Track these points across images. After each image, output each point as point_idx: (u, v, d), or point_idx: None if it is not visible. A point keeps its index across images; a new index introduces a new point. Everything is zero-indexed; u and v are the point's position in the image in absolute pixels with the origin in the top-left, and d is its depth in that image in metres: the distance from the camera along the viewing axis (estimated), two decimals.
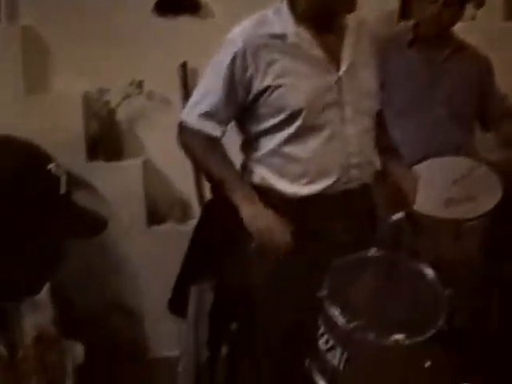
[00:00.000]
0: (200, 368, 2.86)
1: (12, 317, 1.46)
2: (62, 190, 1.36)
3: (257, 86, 2.08)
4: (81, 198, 1.44)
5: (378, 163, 2.27)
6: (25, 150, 1.39)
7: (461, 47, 2.85)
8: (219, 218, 2.30)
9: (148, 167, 3.38)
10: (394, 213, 2.52)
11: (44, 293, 1.59)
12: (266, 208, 2.10)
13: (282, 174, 2.13)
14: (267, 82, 2.06)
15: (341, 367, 1.91)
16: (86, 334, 3.05)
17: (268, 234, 2.08)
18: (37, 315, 1.55)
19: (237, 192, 2.11)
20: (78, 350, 2.70)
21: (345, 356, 1.89)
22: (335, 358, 1.91)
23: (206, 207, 2.64)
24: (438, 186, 2.61)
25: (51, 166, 1.37)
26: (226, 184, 2.13)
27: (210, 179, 2.24)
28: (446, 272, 2.06)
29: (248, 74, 2.07)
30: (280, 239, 2.08)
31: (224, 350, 2.91)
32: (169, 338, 3.32)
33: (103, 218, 1.44)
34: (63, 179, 1.37)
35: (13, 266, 1.34)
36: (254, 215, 2.09)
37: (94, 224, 1.43)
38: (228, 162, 2.17)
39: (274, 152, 2.13)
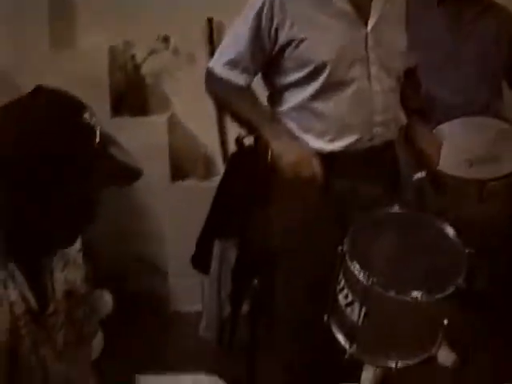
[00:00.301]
0: (222, 323, 2.90)
1: (44, 271, 1.49)
2: (98, 138, 1.37)
3: (282, 38, 2.07)
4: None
5: (402, 122, 2.26)
6: (60, 100, 1.40)
7: (491, 6, 2.81)
8: (243, 172, 2.30)
9: (173, 123, 3.39)
10: (417, 172, 2.52)
11: (75, 248, 1.61)
12: (299, 144, 2.10)
13: (306, 130, 2.13)
14: (293, 34, 2.05)
15: (359, 322, 1.92)
16: (110, 287, 3.12)
17: (298, 166, 2.06)
18: (68, 270, 1.57)
19: (266, 128, 2.12)
20: (106, 300, 2.75)
21: (363, 311, 1.91)
22: (354, 313, 1.93)
23: (231, 161, 2.64)
24: (462, 146, 2.59)
25: (86, 114, 1.38)
26: (254, 122, 2.13)
27: (239, 122, 2.23)
28: (467, 232, 2.05)
29: (274, 25, 2.06)
30: (310, 170, 2.06)
31: (246, 305, 2.95)
32: (191, 293, 3.37)
33: (137, 166, 1.45)
34: (98, 128, 1.39)
35: (50, 216, 1.37)
36: (284, 149, 2.08)
37: (130, 172, 1.44)
38: (255, 101, 2.17)
39: (299, 107, 2.13)
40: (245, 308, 2.97)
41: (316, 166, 2.07)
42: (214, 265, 2.81)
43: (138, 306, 3.22)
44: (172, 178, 3.38)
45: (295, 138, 2.14)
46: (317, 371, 2.34)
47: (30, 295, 1.42)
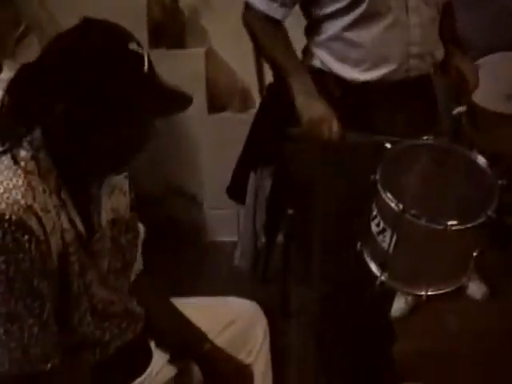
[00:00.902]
0: (256, 253, 2.96)
1: (93, 197, 1.55)
2: (146, 67, 1.41)
3: None
4: None
5: (440, 55, 2.26)
6: (107, 30, 1.44)
7: None
8: (279, 101, 2.32)
9: (210, 56, 3.41)
10: (454, 105, 2.53)
11: (122, 176, 1.67)
12: (322, 98, 2.11)
13: (342, 59, 2.14)
14: None
15: (390, 250, 1.95)
16: (148, 216, 3.19)
17: (319, 124, 2.08)
18: (114, 198, 1.62)
19: (294, 78, 2.13)
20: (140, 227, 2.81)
21: (394, 239, 1.93)
22: (385, 241, 1.95)
23: (267, 91, 2.67)
24: (500, 81, 2.58)
25: (133, 44, 1.41)
26: (284, 69, 2.15)
27: (270, 62, 2.26)
28: (501, 165, 2.07)
29: None
30: (330, 131, 2.08)
31: (280, 236, 3.02)
32: (227, 224, 3.44)
33: (187, 93, 1.49)
34: (146, 57, 1.42)
35: (103, 141, 1.41)
36: (308, 104, 2.10)
37: (180, 99, 1.48)
38: (289, 47, 2.18)
39: (336, 37, 2.13)
40: (279, 239, 3.04)
41: (336, 128, 2.08)
42: (250, 195, 2.86)
43: (174, 235, 3.30)
44: (209, 111, 3.42)
45: (330, 75, 2.15)
46: (349, 301, 2.39)
47: (79, 222, 1.48)
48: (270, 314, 2.04)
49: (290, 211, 2.78)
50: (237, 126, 3.07)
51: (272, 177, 2.75)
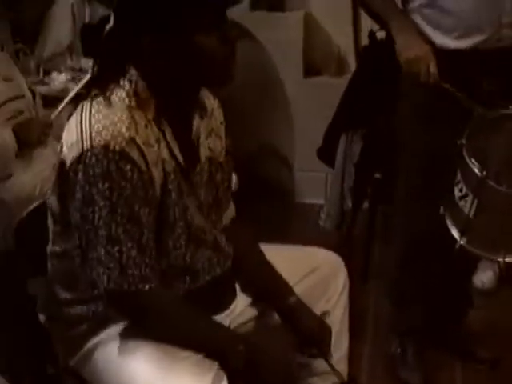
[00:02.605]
0: (342, 214, 3.03)
1: (192, 133, 1.65)
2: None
3: None
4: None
5: None
6: None
7: None
8: (374, 65, 2.37)
9: (309, 20, 3.45)
10: None
11: (219, 119, 1.77)
12: (423, 41, 2.14)
13: (435, 26, 2.16)
14: None
15: (471, 215, 1.99)
16: (240, 172, 3.28)
17: (417, 63, 2.11)
18: (211, 139, 1.71)
19: (394, 21, 2.17)
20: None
21: (475, 204, 1.97)
22: (467, 206, 1.99)
23: (363, 54, 2.71)
24: None
25: None
26: (383, 15, 2.18)
27: (370, 13, 2.29)
28: None
29: None
30: (428, 72, 2.10)
31: (367, 201, 3.07)
32: (315, 186, 3.51)
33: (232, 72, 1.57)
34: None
35: (186, 61, 1.53)
36: (408, 45, 2.13)
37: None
38: None
39: (429, 4, 2.15)
40: (365, 204, 3.09)
41: (433, 69, 2.10)
42: (339, 158, 2.92)
43: (263, 193, 3.37)
44: (305, 74, 3.47)
45: (421, 34, 2.18)
46: (428, 264, 2.42)
47: (178, 154, 1.59)
48: (351, 276, 2.10)
49: (378, 175, 2.83)
50: (332, 90, 3.11)
51: (362, 140, 2.80)
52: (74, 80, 3.20)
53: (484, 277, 2.98)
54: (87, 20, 3.60)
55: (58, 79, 3.24)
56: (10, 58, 2.90)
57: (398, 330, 2.62)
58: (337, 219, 3.04)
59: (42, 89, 3.09)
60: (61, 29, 3.47)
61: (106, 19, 1.59)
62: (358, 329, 2.57)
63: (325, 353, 1.80)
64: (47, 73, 3.33)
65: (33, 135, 2.68)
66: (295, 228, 3.33)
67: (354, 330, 2.10)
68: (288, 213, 3.49)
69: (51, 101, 2.97)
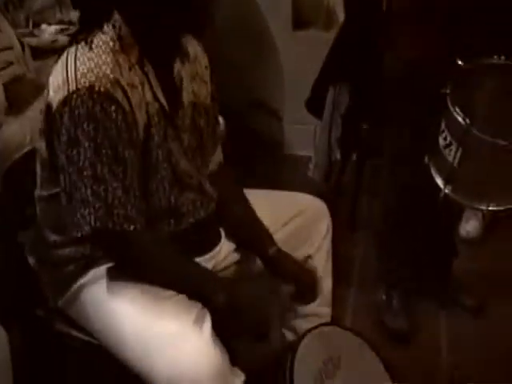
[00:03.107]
0: (330, 165, 3.05)
1: (175, 74, 1.67)
2: None
3: None
4: None
5: None
6: None
7: None
8: (361, 17, 2.37)
9: None
10: None
11: (203, 64, 1.78)
12: None
13: None
14: None
15: (455, 163, 2.00)
16: (230, 125, 3.30)
17: None
18: (195, 83, 1.73)
19: None
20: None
21: (459, 153, 1.98)
22: (451, 155, 2.00)
23: (349, 6, 2.71)
24: None
25: None
26: None
27: None
28: None
29: None
30: None
31: (354, 152, 3.09)
32: (304, 138, 3.53)
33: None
34: None
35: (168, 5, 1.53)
36: None
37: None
38: None
39: None
40: (353, 156, 3.11)
41: None
42: (327, 109, 2.93)
43: (253, 145, 3.39)
44: (294, 27, 3.47)
45: None
46: (413, 213, 2.47)
47: (161, 97, 1.61)
48: (339, 225, 2.14)
49: (365, 126, 2.85)
50: (320, 43, 3.10)
51: (349, 92, 2.82)
52: (63, 32, 3.19)
53: (468, 226, 3.02)
54: None
55: (48, 31, 3.23)
56: None
57: (384, 279, 2.67)
58: (325, 170, 3.06)
59: (31, 40, 3.08)
60: None
61: None
62: (344, 276, 2.64)
63: (313, 295, 1.84)
64: (37, 25, 3.32)
65: (24, 94, 2.68)
66: (285, 179, 3.36)
67: (340, 277, 2.15)
68: (278, 164, 3.52)
69: (40, 53, 2.98)
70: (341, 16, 3.38)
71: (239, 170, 2.00)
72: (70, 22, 3.31)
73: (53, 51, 2.83)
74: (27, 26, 3.32)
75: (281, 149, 3.66)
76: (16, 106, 2.66)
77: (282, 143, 3.67)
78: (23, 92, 2.69)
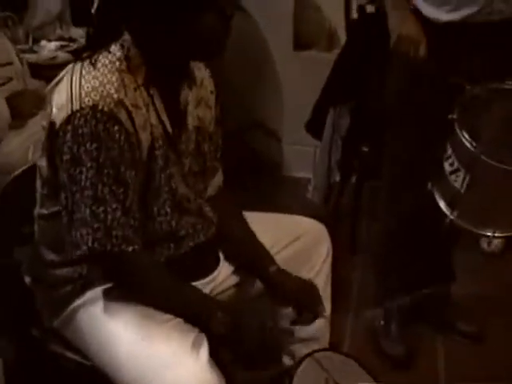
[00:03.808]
0: (330, 187, 3.04)
1: (180, 101, 1.65)
2: None
3: None
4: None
5: None
6: None
7: None
8: (363, 38, 2.38)
9: None
10: None
11: (209, 89, 1.77)
12: (416, 21, 2.15)
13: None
14: None
15: (462, 190, 1.99)
16: (229, 147, 3.30)
17: (408, 42, 2.14)
18: (200, 108, 1.72)
19: None
20: None
21: (467, 179, 1.96)
22: (458, 181, 1.99)
23: (352, 28, 2.72)
24: None
25: None
26: None
27: None
28: None
29: None
30: (416, 51, 2.13)
31: (354, 174, 3.08)
32: (303, 160, 3.52)
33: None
34: None
35: (179, 33, 1.51)
36: (402, 20, 2.16)
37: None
38: None
39: None
40: (352, 179, 3.10)
41: (422, 50, 2.13)
42: (327, 131, 2.93)
43: (252, 167, 3.38)
44: (295, 48, 3.47)
45: (413, 9, 2.18)
46: (413, 238, 2.45)
47: (166, 120, 1.60)
48: (338, 248, 2.11)
49: (365, 149, 2.84)
50: (321, 64, 3.10)
51: (350, 114, 2.81)
52: (63, 48, 3.19)
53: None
54: None
55: (47, 48, 3.23)
56: None
57: (382, 303, 2.64)
58: (324, 192, 3.05)
59: (30, 57, 3.09)
60: None
61: None
62: (343, 300, 2.61)
63: (317, 311, 1.82)
64: (36, 41, 3.32)
65: (26, 107, 2.68)
66: (283, 201, 3.34)
67: (338, 301, 2.12)
68: (276, 186, 3.51)
69: (39, 70, 2.97)
70: (342, 37, 3.40)
71: (238, 192, 1.98)
72: (71, 39, 3.31)
73: (50, 69, 2.83)
74: (27, 42, 3.32)
75: (280, 170, 3.66)
76: (18, 118, 2.65)
77: (281, 164, 3.67)
78: (25, 105, 2.68)
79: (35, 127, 2.60)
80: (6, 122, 2.61)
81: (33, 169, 1.72)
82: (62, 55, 3.11)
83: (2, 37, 2.84)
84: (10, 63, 2.76)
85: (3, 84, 2.68)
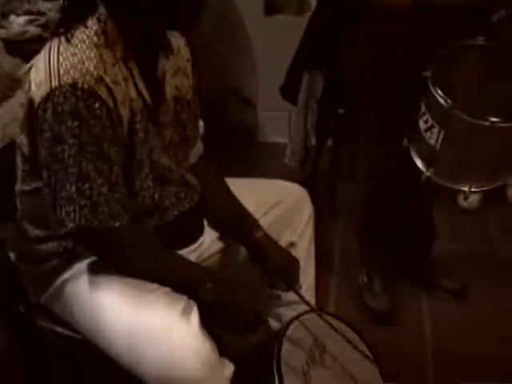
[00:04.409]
0: (306, 152, 3.04)
1: (158, 72, 1.64)
2: None
3: None
4: None
5: None
6: None
7: None
8: (335, 3, 2.36)
9: None
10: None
11: (185, 57, 1.76)
12: None
13: None
14: None
15: (437, 146, 2.00)
16: (205, 115, 3.29)
17: None
18: (178, 77, 1.71)
19: None
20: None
21: (442, 135, 1.97)
22: (433, 137, 2.00)
23: None
24: None
25: None
26: None
27: None
28: None
29: None
30: None
31: (331, 137, 3.08)
32: (278, 125, 3.53)
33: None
34: None
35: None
36: None
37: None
38: None
39: None
40: (329, 142, 3.11)
41: None
42: (302, 96, 2.90)
43: (228, 134, 3.39)
44: (266, 13, 3.45)
45: None
46: (392, 197, 2.46)
47: (145, 92, 1.59)
48: (318, 211, 2.13)
49: (341, 111, 2.84)
50: (293, 28, 3.08)
51: (324, 77, 2.80)
52: (32, 23, 3.14)
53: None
54: None
55: (16, 22, 3.17)
56: None
57: (365, 262, 2.68)
58: (301, 157, 3.04)
59: (1, 33, 3.03)
60: None
61: None
62: (326, 262, 2.64)
63: (293, 285, 1.83)
64: (5, 16, 3.26)
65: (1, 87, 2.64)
66: (260, 167, 3.36)
67: (321, 263, 2.15)
68: (253, 152, 3.52)
69: (11, 46, 2.93)
70: (313, 1, 3.38)
71: (216, 159, 1.99)
72: (39, 13, 3.25)
73: (22, 44, 2.79)
74: None
75: (255, 136, 3.67)
76: None
77: (257, 130, 3.68)
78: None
79: (11, 107, 2.57)
80: None
81: (10, 146, 1.71)
82: (32, 30, 3.05)
83: None
84: None
85: None
